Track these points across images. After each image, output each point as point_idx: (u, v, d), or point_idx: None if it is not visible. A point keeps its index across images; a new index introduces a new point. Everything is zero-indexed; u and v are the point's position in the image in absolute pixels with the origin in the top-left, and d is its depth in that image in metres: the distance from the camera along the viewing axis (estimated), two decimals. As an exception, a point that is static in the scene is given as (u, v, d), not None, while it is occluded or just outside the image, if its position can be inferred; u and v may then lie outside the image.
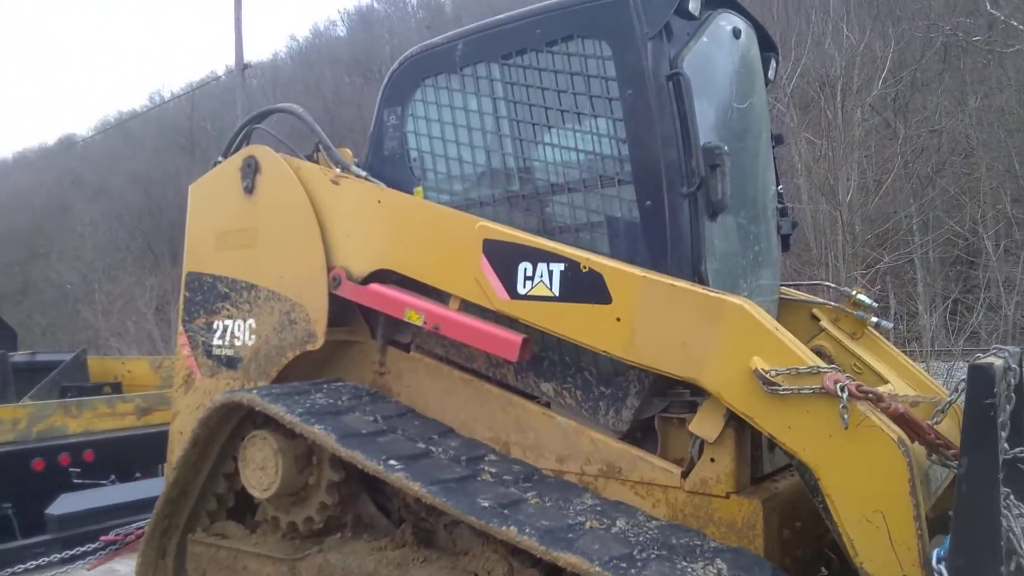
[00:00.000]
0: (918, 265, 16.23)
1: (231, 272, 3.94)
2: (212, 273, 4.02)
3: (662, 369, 2.80)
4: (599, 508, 2.77)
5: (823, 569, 3.19)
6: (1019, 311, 12.75)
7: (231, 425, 3.53)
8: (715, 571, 2.41)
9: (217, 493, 3.68)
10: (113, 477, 6.42)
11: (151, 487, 5.79)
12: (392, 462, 2.85)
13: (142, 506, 5.36)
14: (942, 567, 2.16)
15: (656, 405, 3.05)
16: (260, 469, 3.30)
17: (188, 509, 3.65)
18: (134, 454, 7.23)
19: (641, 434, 3.12)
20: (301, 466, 3.31)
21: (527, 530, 2.49)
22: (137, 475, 6.85)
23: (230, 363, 3.92)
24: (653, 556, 2.44)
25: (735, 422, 2.79)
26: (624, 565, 2.35)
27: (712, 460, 2.82)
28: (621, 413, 3.07)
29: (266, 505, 3.46)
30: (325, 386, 3.48)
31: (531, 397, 3.33)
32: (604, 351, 2.89)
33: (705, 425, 2.80)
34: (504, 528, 2.52)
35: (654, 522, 2.75)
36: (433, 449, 3.08)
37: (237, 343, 3.91)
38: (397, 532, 3.22)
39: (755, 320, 2.65)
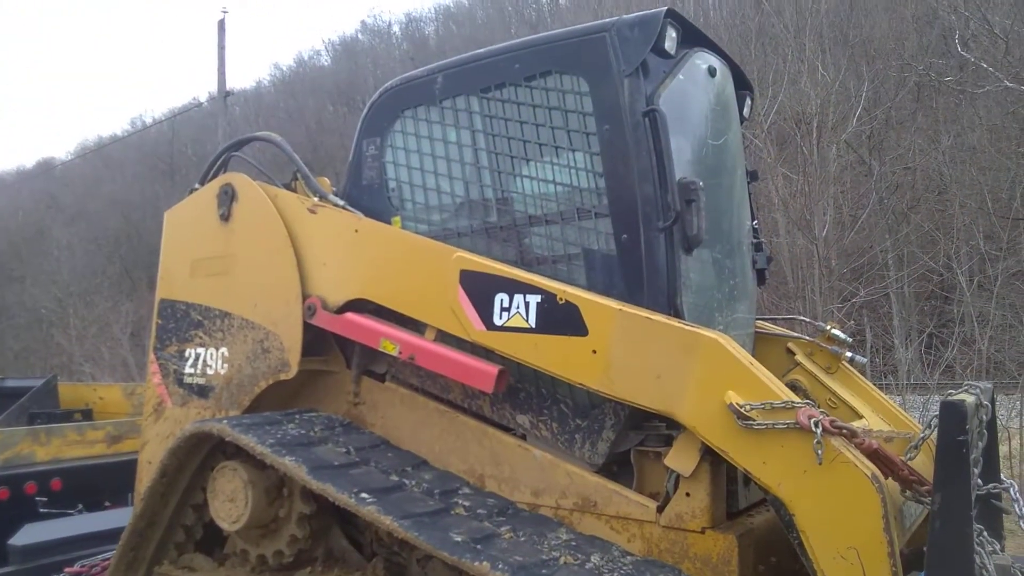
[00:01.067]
0: (893, 299, 16.43)
1: (205, 300, 3.90)
2: (186, 300, 3.97)
3: (638, 402, 2.79)
4: (574, 543, 2.74)
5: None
6: (993, 345, 12.90)
7: (201, 455, 3.47)
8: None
9: (185, 524, 3.61)
10: (81, 507, 6.26)
11: (119, 517, 5.63)
12: (364, 495, 2.81)
13: (109, 536, 5.21)
14: (916, 604, 2.15)
15: (632, 438, 3.04)
16: (229, 501, 3.24)
17: (155, 541, 3.57)
18: (103, 483, 7.06)
19: (617, 467, 3.11)
20: (271, 498, 3.26)
21: (500, 566, 2.46)
22: (107, 504, 6.68)
23: (201, 392, 3.87)
24: (629, 594, 2.41)
25: (710, 456, 2.78)
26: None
27: (687, 495, 2.81)
28: (597, 446, 3.05)
29: (235, 538, 3.39)
30: (297, 416, 3.44)
31: (507, 429, 3.30)
32: (580, 383, 2.88)
33: (680, 459, 2.79)
34: (477, 564, 2.48)
35: (629, 557, 2.73)
36: (406, 482, 3.04)
37: (209, 371, 3.86)
38: (369, 567, 3.17)
39: (730, 354, 2.66)
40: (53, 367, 24.33)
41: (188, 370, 3.93)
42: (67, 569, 4.70)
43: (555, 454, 3.13)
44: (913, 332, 15.59)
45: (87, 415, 8.03)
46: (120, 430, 7.25)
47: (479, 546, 2.58)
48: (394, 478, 3.04)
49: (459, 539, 2.60)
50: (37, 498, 6.00)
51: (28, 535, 5.02)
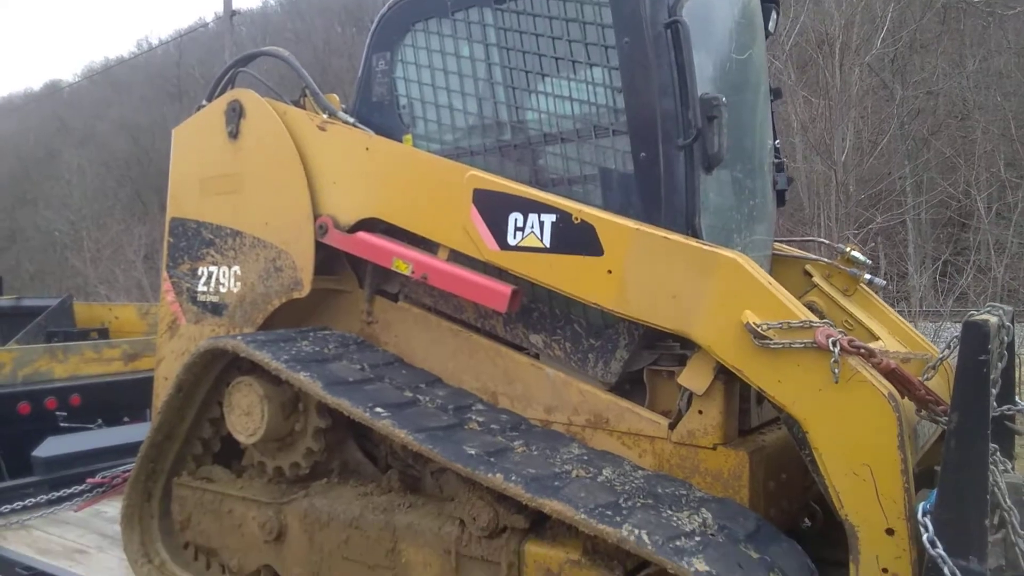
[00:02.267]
0: (910, 226, 16.24)
1: (215, 218, 3.87)
2: (196, 219, 3.94)
3: (653, 322, 2.77)
4: (586, 457, 2.77)
5: (807, 520, 3.21)
6: (1008, 273, 12.80)
7: (216, 371, 3.50)
8: (700, 520, 2.41)
9: (202, 438, 3.67)
10: (100, 421, 6.40)
11: (138, 431, 5.77)
12: (379, 410, 2.83)
13: (129, 450, 5.34)
14: (927, 520, 2.16)
15: (645, 358, 3.04)
16: (246, 415, 3.28)
17: (173, 453, 3.64)
18: (121, 399, 7.20)
19: (629, 386, 3.11)
20: (287, 413, 3.29)
21: (513, 477, 2.49)
22: (125, 419, 6.84)
23: (215, 310, 3.88)
24: (639, 504, 2.44)
25: (724, 375, 2.78)
26: (609, 513, 2.35)
27: (700, 412, 2.81)
28: (610, 365, 3.05)
29: (252, 450, 3.45)
30: (312, 334, 3.45)
31: (520, 348, 3.30)
32: (594, 303, 2.86)
33: (694, 378, 2.79)
34: (490, 475, 2.52)
35: (640, 472, 2.76)
36: (420, 398, 3.06)
37: (222, 290, 3.86)
38: (383, 478, 3.22)
39: (748, 274, 2.62)
40: (68, 289, 24.54)
41: (201, 288, 3.93)
42: (89, 480, 4.83)
43: (568, 373, 3.14)
44: (928, 259, 15.46)
45: (103, 334, 8.14)
46: (136, 348, 7.35)
47: (492, 459, 2.61)
48: (408, 394, 3.06)
49: (473, 452, 2.63)
50: (57, 413, 6.13)
51: (51, 447, 5.14)
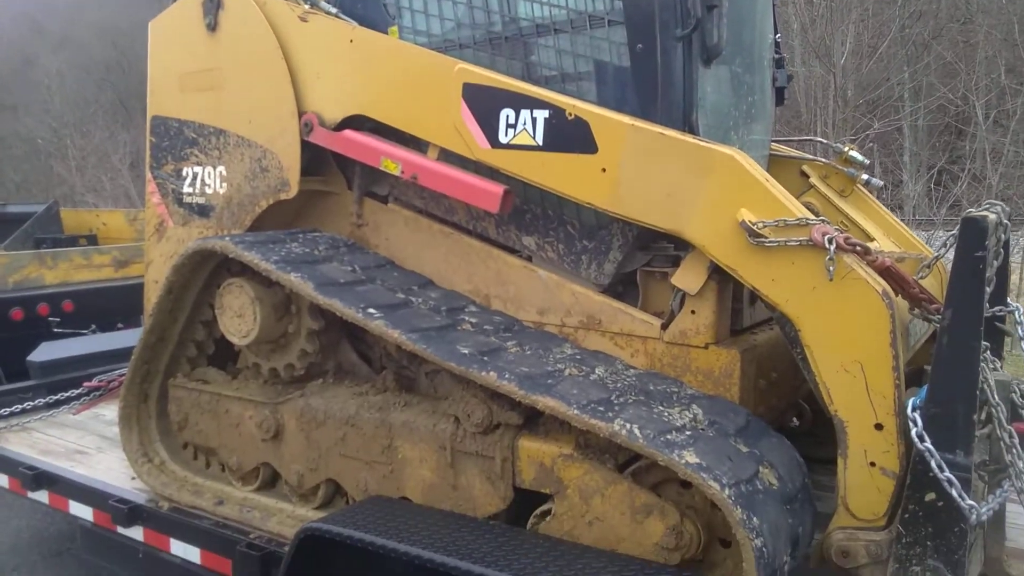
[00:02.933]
0: (906, 133, 16.06)
1: (197, 117, 3.74)
2: (178, 117, 3.82)
3: (647, 222, 2.72)
4: (578, 357, 2.77)
5: (795, 420, 3.27)
6: (1003, 182, 12.74)
7: (205, 272, 3.46)
8: (691, 416, 2.44)
9: (196, 340, 3.66)
10: (94, 327, 6.41)
11: (132, 336, 5.79)
12: (371, 310, 2.81)
13: (124, 354, 5.35)
14: (916, 415, 2.18)
15: (639, 259, 3.01)
16: (238, 317, 3.26)
17: (167, 355, 3.64)
18: (113, 305, 7.20)
19: (622, 288, 3.09)
20: (279, 314, 3.28)
21: (507, 376, 2.49)
22: (119, 326, 6.85)
23: (202, 211, 3.81)
24: (631, 401, 2.46)
25: (718, 275, 2.75)
26: (602, 408, 2.36)
27: (693, 312, 2.80)
28: (603, 267, 3.02)
29: (247, 352, 3.45)
30: (301, 236, 3.39)
31: (512, 250, 3.27)
32: (588, 203, 2.80)
33: (687, 278, 2.77)
34: (483, 373, 2.52)
35: (632, 370, 2.77)
36: (413, 299, 3.04)
37: (208, 191, 3.78)
38: (378, 379, 3.23)
39: (745, 171, 2.56)
40: (56, 197, 24.24)
41: (187, 189, 3.84)
42: (85, 384, 4.86)
43: (561, 275, 3.11)
44: (923, 167, 15.36)
45: (92, 240, 8.06)
46: (126, 255, 7.30)
47: (486, 358, 2.61)
48: (400, 295, 3.03)
49: (466, 351, 2.63)
50: (50, 319, 6.14)
51: (46, 352, 5.16)
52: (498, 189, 2.96)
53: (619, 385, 2.58)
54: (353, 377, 3.40)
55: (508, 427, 2.66)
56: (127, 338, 5.73)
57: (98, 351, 5.30)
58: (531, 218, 3.17)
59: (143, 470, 3.66)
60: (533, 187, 3.00)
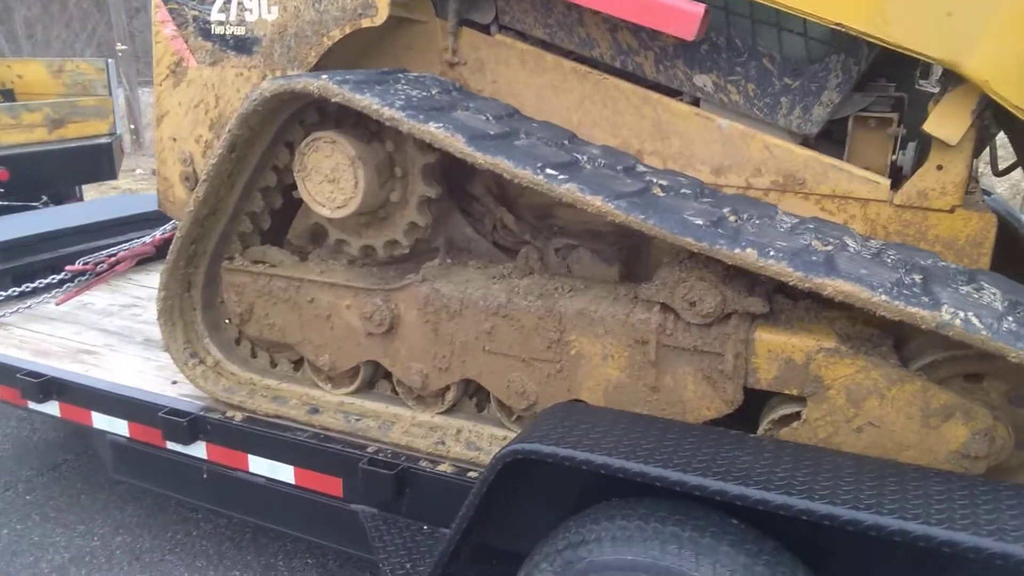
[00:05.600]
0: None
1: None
2: (206, -87, 2.87)
3: (916, 49, 2.13)
4: (809, 226, 2.24)
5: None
6: None
7: (277, 124, 2.68)
8: (992, 295, 1.97)
9: (253, 212, 2.91)
10: (45, 199, 5.39)
11: (104, 208, 4.85)
12: (550, 171, 2.15)
13: (94, 231, 4.49)
14: None
15: (857, 102, 2.44)
16: (329, 182, 2.54)
17: (218, 232, 2.88)
18: (53, 173, 6.13)
19: (815, 139, 2.54)
20: (383, 178, 2.57)
21: (771, 253, 1.93)
22: (43, 199, 5.81)
23: (240, 46, 2.94)
24: (918, 281, 1.96)
25: (978, 122, 2.24)
26: (906, 292, 1.86)
27: (939, 168, 2.29)
28: (812, 111, 2.44)
29: (330, 227, 2.75)
30: (401, 76, 2.64)
31: (672, 93, 2.64)
32: (837, 23, 2.18)
33: (947, 124, 2.22)
34: (738, 251, 1.94)
35: (874, 241, 2.27)
36: (577, 156, 2.39)
37: (250, 18, 2.90)
38: (520, 256, 2.62)
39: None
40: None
41: (217, 16, 2.95)
42: (68, 268, 4.00)
43: (747, 123, 2.52)
44: None
45: (8, 96, 6.76)
46: (60, 113, 6.16)
47: (720, 229, 2.04)
48: (562, 153, 2.37)
49: (700, 222, 2.04)
50: (-11, 189, 5.09)
51: (1, 230, 4.21)
52: (698, 8, 2.29)
53: (889, 260, 2.07)
54: (471, 255, 2.77)
55: (743, 317, 2.13)
56: (96, 211, 4.81)
57: (65, 227, 4.37)
58: (709, 50, 2.52)
59: (196, 373, 2.97)
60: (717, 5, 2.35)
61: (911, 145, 2.44)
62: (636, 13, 2.37)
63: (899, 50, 2.16)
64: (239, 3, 2.90)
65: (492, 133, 2.30)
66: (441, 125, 2.22)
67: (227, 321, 3.09)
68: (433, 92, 2.53)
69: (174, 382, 3.13)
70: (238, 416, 2.86)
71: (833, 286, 1.87)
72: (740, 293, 2.11)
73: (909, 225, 2.36)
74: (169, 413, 2.87)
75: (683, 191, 2.32)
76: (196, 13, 2.99)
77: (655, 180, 2.35)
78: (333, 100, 2.34)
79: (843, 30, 2.18)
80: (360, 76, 2.47)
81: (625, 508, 1.94)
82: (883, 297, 1.82)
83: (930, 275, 2.03)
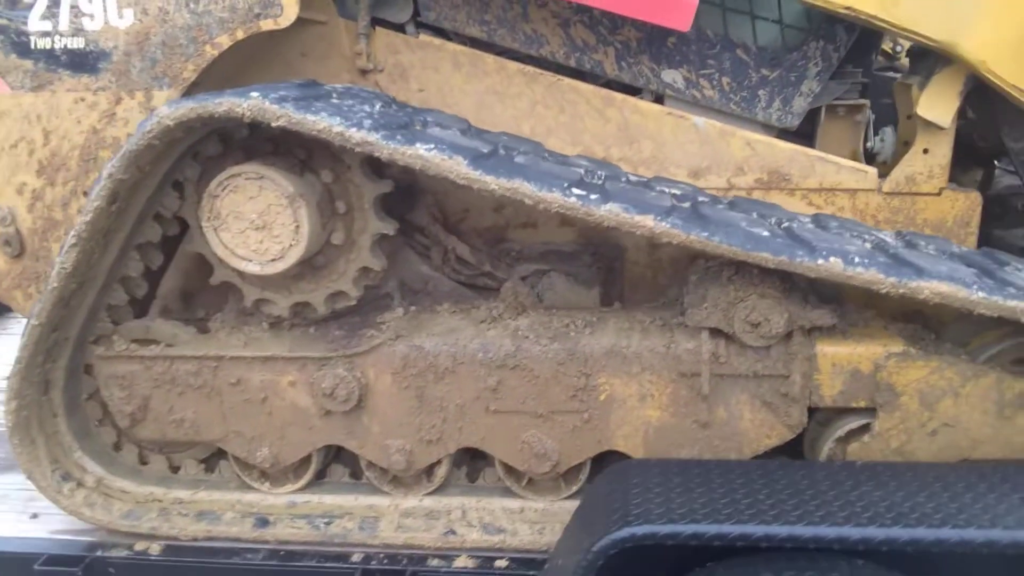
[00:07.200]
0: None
1: None
2: None
3: (918, 32, 2.05)
4: (834, 223, 2.08)
5: None
6: None
7: (170, 162, 2.03)
8: (1017, 269, 1.94)
9: (126, 276, 2.21)
10: None
11: None
12: (578, 191, 1.79)
13: None
14: None
15: (832, 90, 2.34)
16: (258, 230, 1.97)
17: (85, 309, 2.14)
18: None
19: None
20: (324, 217, 2.05)
21: (855, 260, 1.74)
22: None
23: (78, 63, 2.21)
24: (985, 271, 1.87)
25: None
26: (989, 282, 1.76)
27: (926, 152, 2.25)
28: (792, 103, 2.31)
29: (244, 286, 2.15)
30: (328, 88, 2.12)
31: (632, 92, 2.38)
32: (847, 7, 2.03)
33: (937, 106, 2.18)
34: (818, 262, 1.73)
35: (888, 233, 2.17)
36: (575, 169, 2.04)
37: (91, 25, 2.19)
38: (504, 292, 2.20)
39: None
40: None
41: (39, 27, 2.19)
42: None
43: (725, 120, 2.33)
44: None
45: None
46: None
47: (790, 239, 1.81)
48: (569, 170, 2.01)
49: (765, 233, 1.79)
50: None
51: None
52: (692, -2, 2.04)
53: (930, 251, 1.97)
54: (428, 298, 2.32)
55: (805, 332, 1.93)
56: None
57: None
58: (677, 43, 2.29)
59: (75, 501, 2.21)
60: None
61: (888, 130, 2.39)
62: (622, 4, 2.08)
63: (903, 33, 2.07)
64: (72, 7, 2.18)
65: (486, 152, 1.89)
66: (432, 146, 1.78)
67: (96, 423, 2.34)
68: (377, 107, 2.04)
69: (34, 515, 2.32)
70: (154, 548, 2.16)
71: (930, 288, 1.71)
72: (803, 307, 1.90)
73: (898, 212, 2.31)
74: (48, 563, 2.10)
75: (700, 199, 2.07)
76: (4, 22, 2.21)
77: (661, 188, 2.08)
78: (274, 124, 1.79)
79: (851, 16, 2.05)
80: (294, 91, 1.92)
81: (747, 572, 1.64)
82: (980, 294, 1.70)
83: (970, 262, 1.96)
